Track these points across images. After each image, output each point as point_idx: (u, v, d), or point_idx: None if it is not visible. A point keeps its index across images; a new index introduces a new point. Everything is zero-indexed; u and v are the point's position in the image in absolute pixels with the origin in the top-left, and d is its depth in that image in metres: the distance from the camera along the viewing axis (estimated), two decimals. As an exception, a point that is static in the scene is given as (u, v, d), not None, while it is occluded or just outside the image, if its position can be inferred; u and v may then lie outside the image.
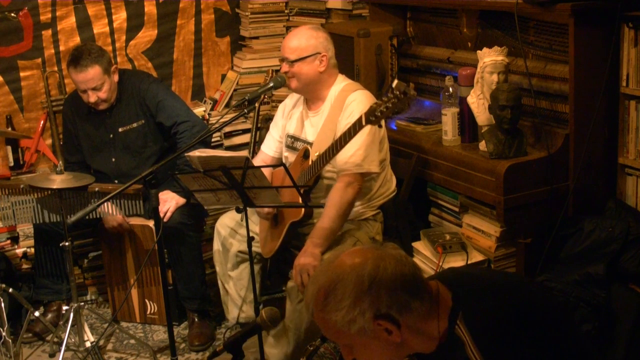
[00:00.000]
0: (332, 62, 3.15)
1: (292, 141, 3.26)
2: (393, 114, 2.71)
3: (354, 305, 1.65)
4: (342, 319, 1.66)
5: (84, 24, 4.12)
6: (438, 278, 1.81)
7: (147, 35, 4.28)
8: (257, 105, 3.21)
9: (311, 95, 3.18)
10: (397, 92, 2.59)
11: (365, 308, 1.65)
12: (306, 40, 3.09)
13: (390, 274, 1.66)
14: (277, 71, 4.43)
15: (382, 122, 3.11)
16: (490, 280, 1.86)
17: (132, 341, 3.59)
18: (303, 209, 3.02)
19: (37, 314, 3.44)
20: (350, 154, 2.94)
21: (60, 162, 3.38)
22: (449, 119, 3.25)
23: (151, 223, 3.51)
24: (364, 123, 2.70)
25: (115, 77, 3.62)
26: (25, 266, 3.98)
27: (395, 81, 2.63)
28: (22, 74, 4.04)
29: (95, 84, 3.50)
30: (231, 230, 3.33)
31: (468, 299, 1.73)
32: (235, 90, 4.43)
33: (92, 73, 3.48)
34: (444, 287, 1.75)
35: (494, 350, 1.65)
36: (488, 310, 1.70)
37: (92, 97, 3.53)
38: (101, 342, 3.55)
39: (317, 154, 2.98)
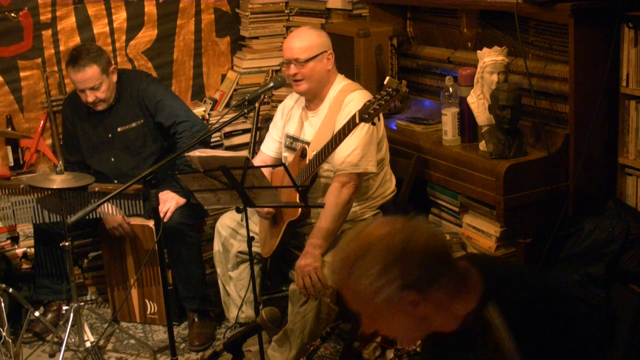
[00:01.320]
0: (334, 61, 3.15)
1: (292, 142, 3.26)
2: (393, 112, 2.72)
3: (383, 273, 1.61)
4: (369, 287, 1.62)
5: (84, 24, 4.11)
6: (467, 259, 1.79)
7: (147, 35, 4.28)
8: (257, 105, 3.22)
9: (316, 95, 3.17)
10: (389, 89, 2.60)
11: (393, 277, 1.61)
12: (315, 38, 3.08)
13: (421, 246, 1.63)
14: (277, 71, 4.43)
15: (381, 122, 3.14)
16: (517, 268, 1.85)
17: (132, 341, 3.59)
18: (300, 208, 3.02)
19: (37, 314, 3.44)
20: (347, 154, 2.94)
21: (60, 162, 3.38)
22: (449, 119, 3.25)
23: (151, 223, 3.51)
24: (357, 121, 2.71)
25: (114, 78, 3.62)
26: (25, 266, 3.97)
27: (387, 78, 2.64)
28: (22, 74, 4.04)
29: (93, 83, 3.50)
30: (231, 231, 3.33)
31: (500, 284, 1.71)
32: (235, 90, 4.43)
33: (90, 73, 3.48)
34: (473, 269, 1.72)
35: (526, 337, 1.63)
36: (521, 298, 1.68)
37: (90, 97, 3.53)
38: (101, 342, 3.55)
39: (314, 153, 2.98)
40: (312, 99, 3.19)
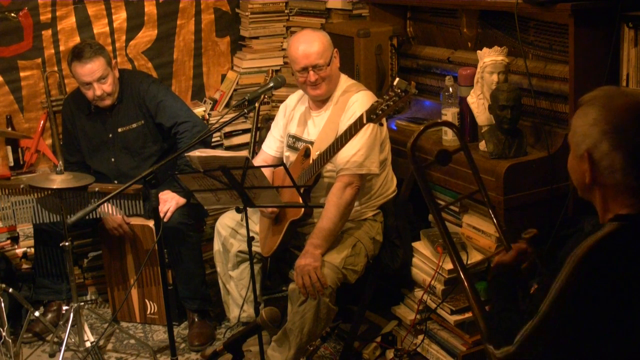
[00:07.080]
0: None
1: (294, 141, 3.26)
2: (393, 113, 2.72)
3: (596, 124, 1.73)
4: (581, 128, 1.77)
5: (84, 24, 4.12)
6: None
7: (147, 35, 4.28)
8: (257, 105, 3.21)
9: (329, 96, 3.16)
10: (398, 90, 2.59)
11: (598, 135, 1.73)
12: (324, 39, 3.08)
13: None
14: (277, 71, 4.44)
15: (384, 122, 3.14)
16: None
17: (132, 341, 3.59)
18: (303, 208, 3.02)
19: (37, 314, 3.44)
20: (352, 154, 2.94)
21: (60, 162, 3.38)
22: (449, 119, 3.25)
23: (151, 223, 3.52)
24: (364, 121, 2.70)
25: (116, 73, 3.64)
26: (25, 266, 3.98)
27: (397, 79, 2.62)
28: (22, 74, 4.04)
29: (100, 74, 3.51)
30: (231, 230, 3.33)
31: None
32: (235, 90, 4.43)
33: (98, 63, 3.49)
34: None
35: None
36: None
37: (98, 90, 3.53)
38: (101, 342, 3.55)
39: (318, 152, 2.98)
40: (325, 100, 3.17)
